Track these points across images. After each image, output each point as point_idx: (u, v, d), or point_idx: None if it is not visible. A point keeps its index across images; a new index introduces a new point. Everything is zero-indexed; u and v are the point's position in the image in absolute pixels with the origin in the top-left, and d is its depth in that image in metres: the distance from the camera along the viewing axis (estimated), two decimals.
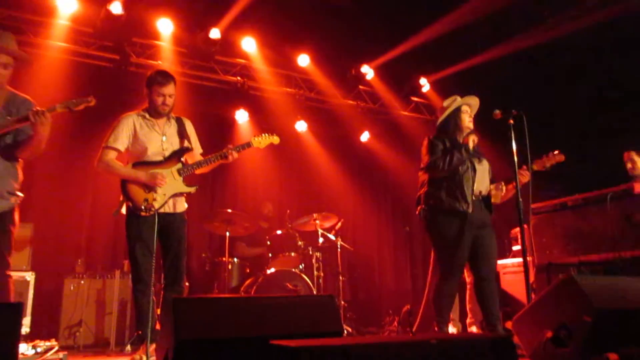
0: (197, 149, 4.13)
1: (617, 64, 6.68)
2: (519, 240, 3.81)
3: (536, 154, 4.12)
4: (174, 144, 3.94)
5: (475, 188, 3.88)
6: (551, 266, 4.54)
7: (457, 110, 4.01)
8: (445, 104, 4.07)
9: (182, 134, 3.98)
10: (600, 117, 6.99)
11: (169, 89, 3.88)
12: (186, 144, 3.97)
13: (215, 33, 6.45)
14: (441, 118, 4.06)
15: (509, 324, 3.85)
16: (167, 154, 3.88)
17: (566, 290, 2.88)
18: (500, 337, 2.16)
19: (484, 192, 3.95)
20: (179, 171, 3.87)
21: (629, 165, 4.92)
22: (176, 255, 3.86)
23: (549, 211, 4.57)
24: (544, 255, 4.57)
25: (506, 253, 5.88)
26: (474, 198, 3.85)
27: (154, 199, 3.72)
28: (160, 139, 3.89)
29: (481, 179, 3.93)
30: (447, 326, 3.93)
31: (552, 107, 7.34)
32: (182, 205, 3.94)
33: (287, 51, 7.17)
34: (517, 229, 3.81)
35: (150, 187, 3.74)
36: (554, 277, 4.39)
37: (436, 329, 3.90)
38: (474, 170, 3.92)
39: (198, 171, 3.99)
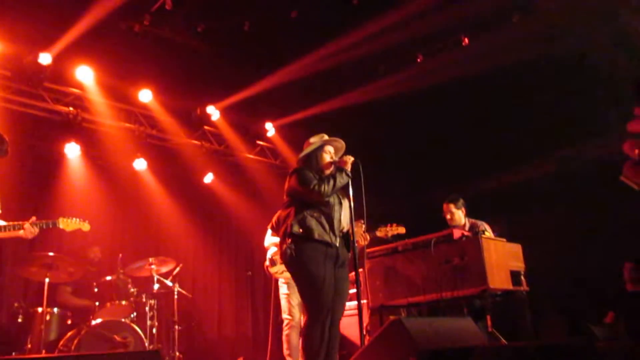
0: None
1: (448, 120, 7.54)
2: (355, 284, 3.97)
3: (376, 204, 4.30)
4: None
5: (341, 223, 3.88)
6: (383, 308, 4.79)
7: (320, 149, 4.00)
8: (311, 139, 4.07)
9: None
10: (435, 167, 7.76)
11: None
12: None
13: (45, 58, 5.98)
14: (303, 153, 4.03)
15: None
16: None
17: (394, 332, 3.06)
18: None
19: (346, 228, 3.93)
20: None
21: (447, 217, 5.38)
22: None
23: (382, 255, 4.84)
24: (377, 297, 4.80)
25: None
26: (339, 233, 3.84)
27: None
28: None
29: (344, 215, 3.92)
30: None
31: (391, 157, 8.00)
32: None
33: (128, 84, 6.90)
34: (353, 273, 3.94)
35: None
36: (385, 319, 4.63)
37: None
38: (340, 204, 3.90)
39: None
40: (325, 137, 4.07)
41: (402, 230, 5.10)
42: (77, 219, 4.25)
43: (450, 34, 6.61)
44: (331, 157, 4.02)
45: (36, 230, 3.79)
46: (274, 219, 5.31)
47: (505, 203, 7.22)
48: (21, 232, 3.74)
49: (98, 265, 6.43)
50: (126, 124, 7.18)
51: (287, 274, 4.99)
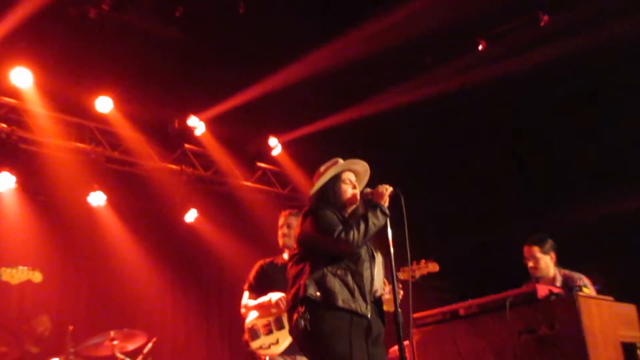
0: None
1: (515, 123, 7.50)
2: None
3: (417, 247, 4.20)
4: None
5: (374, 283, 3.81)
6: None
7: (336, 180, 3.98)
8: (322, 168, 4.05)
9: None
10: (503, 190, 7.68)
11: None
12: None
13: None
14: (315, 187, 4.01)
15: None
16: None
17: None
18: None
19: (379, 292, 3.88)
20: None
21: (530, 264, 5.25)
22: None
23: (436, 322, 4.71)
24: None
25: None
26: (370, 298, 3.76)
27: None
28: None
29: (378, 273, 3.87)
30: None
31: (441, 180, 7.93)
32: None
33: (80, 90, 6.94)
34: (396, 348, 3.82)
35: None
36: None
37: None
38: (372, 258, 3.86)
39: None
40: (340, 161, 4.04)
41: (434, 267, 4.95)
42: (25, 268, 4.30)
43: (523, 11, 6.58)
44: (353, 187, 3.99)
45: None
46: (252, 275, 5.36)
47: (602, 243, 7.09)
48: None
49: (46, 342, 6.46)
50: (78, 143, 7.25)
51: (274, 351, 4.99)
